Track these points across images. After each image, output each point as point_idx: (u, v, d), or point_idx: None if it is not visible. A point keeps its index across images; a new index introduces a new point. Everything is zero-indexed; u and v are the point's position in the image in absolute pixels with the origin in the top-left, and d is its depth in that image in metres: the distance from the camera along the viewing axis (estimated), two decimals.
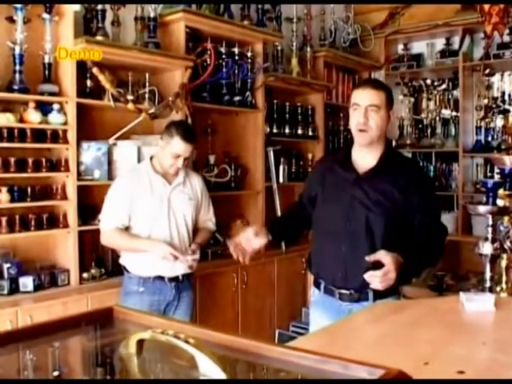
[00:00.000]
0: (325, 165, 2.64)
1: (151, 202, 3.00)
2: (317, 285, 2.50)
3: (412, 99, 5.76)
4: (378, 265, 2.13)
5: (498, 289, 2.49)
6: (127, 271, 3.06)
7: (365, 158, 2.41)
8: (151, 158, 3.12)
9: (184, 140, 2.96)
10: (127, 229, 3.01)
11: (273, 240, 2.54)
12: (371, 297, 2.33)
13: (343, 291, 2.37)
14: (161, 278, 3.01)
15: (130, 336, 1.12)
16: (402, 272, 2.15)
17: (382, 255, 2.13)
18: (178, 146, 2.96)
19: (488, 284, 2.50)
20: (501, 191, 2.64)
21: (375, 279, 2.12)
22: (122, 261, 3.11)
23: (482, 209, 2.54)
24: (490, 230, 2.51)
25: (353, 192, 2.36)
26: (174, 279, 3.05)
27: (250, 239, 2.43)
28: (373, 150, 2.39)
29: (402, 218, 2.33)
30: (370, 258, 2.16)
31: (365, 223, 2.32)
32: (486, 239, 2.50)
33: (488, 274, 2.50)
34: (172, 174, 3.06)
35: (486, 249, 2.49)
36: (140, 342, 1.11)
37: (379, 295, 2.30)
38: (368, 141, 2.34)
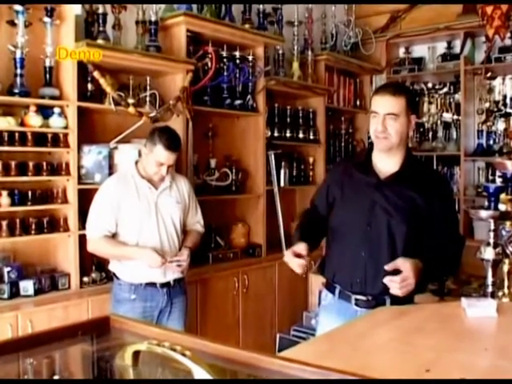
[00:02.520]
0: (342, 168, 2.58)
1: (139, 207, 2.96)
2: (331, 289, 2.45)
3: None
4: (397, 272, 2.13)
5: (500, 294, 2.47)
6: (117, 278, 3.02)
7: (386, 162, 2.38)
8: (136, 163, 3.08)
9: (167, 149, 2.91)
10: (114, 236, 2.97)
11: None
12: (388, 304, 2.30)
13: (360, 297, 2.33)
14: (152, 284, 2.97)
15: (126, 347, 1.11)
16: (422, 278, 2.16)
17: (401, 263, 2.14)
18: (161, 155, 2.91)
19: (490, 289, 2.48)
20: (503, 196, 2.62)
21: (394, 284, 2.12)
22: (111, 267, 3.07)
23: (483, 214, 2.52)
24: (491, 234, 2.49)
25: (373, 197, 2.34)
26: (166, 285, 3.01)
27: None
28: (393, 156, 2.37)
29: (422, 225, 2.32)
30: (389, 267, 2.15)
31: (386, 229, 2.29)
32: (488, 244, 2.49)
33: (490, 280, 2.49)
34: (157, 180, 3.04)
35: (488, 254, 2.47)
36: (136, 354, 1.09)
37: (396, 302, 2.27)
38: (387, 147, 2.32)
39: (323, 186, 2.65)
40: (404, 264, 2.13)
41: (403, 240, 2.28)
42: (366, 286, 2.31)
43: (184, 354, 0.98)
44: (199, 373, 0.96)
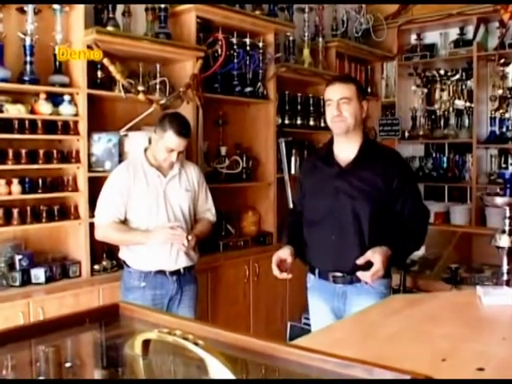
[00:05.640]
0: (310, 163, 2.80)
1: (147, 195, 2.93)
2: (312, 271, 2.66)
3: (425, 90, 5.69)
4: (369, 263, 2.30)
5: None
6: (127, 266, 3.01)
7: (345, 150, 2.55)
8: (145, 150, 3.06)
9: (178, 134, 2.87)
10: (124, 223, 2.96)
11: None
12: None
13: (336, 273, 2.51)
14: (162, 272, 2.96)
15: (136, 336, 1.08)
16: (392, 261, 2.34)
17: (371, 255, 2.31)
18: (172, 141, 2.88)
19: (505, 277, 2.44)
20: None
21: (366, 278, 2.31)
22: (121, 255, 3.06)
23: (499, 200, 2.49)
24: (507, 222, 2.45)
25: (337, 184, 2.51)
26: (176, 273, 2.99)
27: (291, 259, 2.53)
28: (351, 141, 2.53)
29: (385, 204, 2.48)
30: (360, 261, 2.33)
31: (351, 212, 2.46)
32: (504, 232, 2.45)
33: (505, 267, 2.45)
34: (166, 167, 3.02)
35: (504, 241, 2.44)
36: (146, 342, 1.07)
37: None
38: (344, 129, 2.48)
39: (298, 184, 2.86)
40: (373, 256, 2.30)
41: (368, 220, 2.45)
42: (339, 265, 2.51)
43: (197, 344, 0.95)
44: (213, 363, 0.92)
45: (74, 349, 1.26)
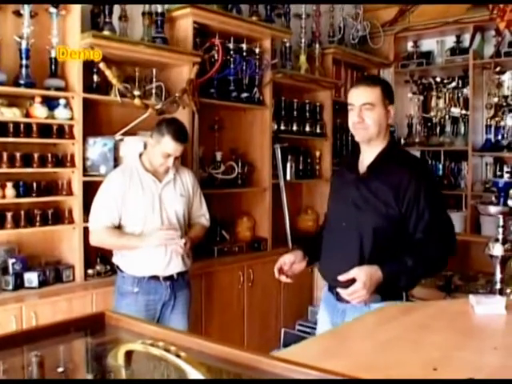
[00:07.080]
0: (338, 168, 2.71)
1: (143, 200, 2.94)
2: (325, 281, 2.52)
3: (421, 97, 5.70)
4: (354, 280, 2.14)
5: (509, 291, 2.45)
6: (120, 271, 3.01)
7: (368, 157, 2.37)
8: (140, 155, 3.06)
9: (175, 140, 2.88)
10: (118, 228, 2.96)
11: (310, 261, 2.53)
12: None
13: (340, 290, 2.29)
14: (155, 277, 2.96)
15: (120, 346, 1.07)
16: (387, 281, 2.15)
17: (355, 273, 2.13)
18: (169, 146, 2.89)
19: (498, 286, 2.45)
20: None
21: (345, 296, 2.16)
22: (114, 260, 3.06)
23: (493, 209, 2.49)
24: (500, 230, 2.46)
25: (349, 192, 2.35)
26: (169, 278, 2.99)
27: (290, 264, 2.45)
28: (374, 148, 2.34)
29: (394, 218, 2.24)
30: (342, 278, 2.16)
31: (356, 224, 2.29)
32: (497, 240, 2.45)
33: (498, 276, 2.46)
34: (162, 172, 3.02)
35: (497, 250, 2.44)
36: (129, 353, 1.05)
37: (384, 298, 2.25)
38: (366, 137, 2.31)
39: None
40: (358, 274, 2.12)
41: (371, 235, 2.25)
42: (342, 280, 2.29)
43: (178, 355, 0.94)
44: (194, 375, 0.92)
45: (57, 358, 1.24)
